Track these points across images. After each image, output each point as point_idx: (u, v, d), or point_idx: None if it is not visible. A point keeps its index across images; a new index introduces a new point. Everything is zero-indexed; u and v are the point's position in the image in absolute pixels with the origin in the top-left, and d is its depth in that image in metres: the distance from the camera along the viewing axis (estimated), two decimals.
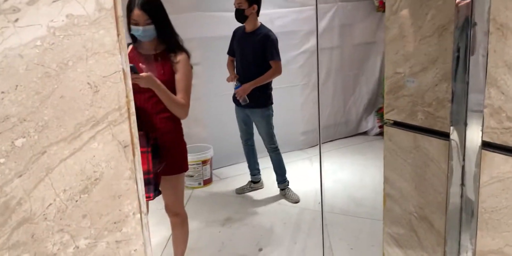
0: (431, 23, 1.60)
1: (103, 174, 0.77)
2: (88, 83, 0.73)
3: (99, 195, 0.77)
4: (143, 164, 2.16)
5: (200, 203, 3.72)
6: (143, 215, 0.81)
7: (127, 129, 0.77)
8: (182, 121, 2.40)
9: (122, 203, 0.79)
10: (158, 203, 2.46)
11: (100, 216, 0.78)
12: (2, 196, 0.70)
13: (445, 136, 1.65)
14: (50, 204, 0.74)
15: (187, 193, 3.89)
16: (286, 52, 4.37)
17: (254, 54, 3.44)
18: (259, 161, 3.90)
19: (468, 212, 1.65)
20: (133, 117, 0.77)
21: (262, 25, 3.48)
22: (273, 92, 3.61)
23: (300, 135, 4.75)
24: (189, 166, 3.84)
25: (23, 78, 0.68)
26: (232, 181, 4.09)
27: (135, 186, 0.80)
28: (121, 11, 0.72)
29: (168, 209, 2.49)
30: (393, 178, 2.00)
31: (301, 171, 4.30)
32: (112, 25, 0.72)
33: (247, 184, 3.90)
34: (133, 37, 2.31)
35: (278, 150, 3.69)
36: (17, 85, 0.68)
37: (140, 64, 2.28)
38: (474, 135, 1.54)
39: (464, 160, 1.60)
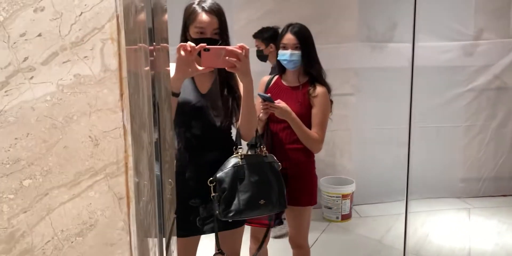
0: None
1: (97, 221, 0.81)
2: (90, 136, 0.78)
3: (93, 240, 0.82)
4: None
5: (334, 239, 3.61)
6: None
7: (123, 182, 0.80)
8: (327, 150, 2.41)
9: (113, 252, 0.82)
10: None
11: None
12: (9, 227, 0.79)
13: None
14: (49, 241, 0.81)
15: (323, 224, 3.82)
16: (450, 89, 4.02)
17: None
18: None
19: None
20: (131, 172, 0.79)
21: None
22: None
23: (458, 181, 4.27)
24: (329, 198, 3.80)
25: (34, 127, 0.76)
26: (372, 221, 3.86)
27: (128, 238, 0.82)
28: (126, 72, 0.76)
29: (291, 240, 2.49)
30: None
31: (453, 222, 3.84)
32: (115, 85, 0.76)
33: None
34: (280, 67, 2.41)
35: None
36: (28, 134, 0.77)
37: (279, 95, 2.36)
38: None
39: None
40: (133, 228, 0.82)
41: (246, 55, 1.69)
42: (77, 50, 0.75)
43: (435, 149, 4.15)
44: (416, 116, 3.82)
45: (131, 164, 0.80)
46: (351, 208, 3.87)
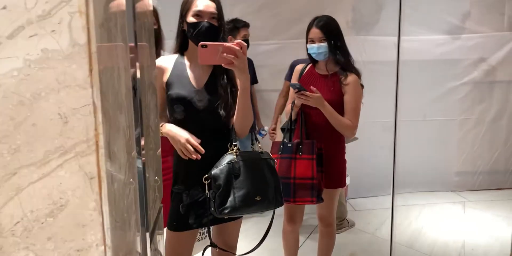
0: None
1: (68, 202, 0.79)
2: (59, 114, 0.75)
3: (64, 221, 0.79)
4: (307, 170, 2.33)
5: None
6: (107, 248, 0.81)
7: (94, 161, 0.77)
8: None
9: (85, 233, 0.80)
10: None
11: (64, 241, 0.80)
12: None
13: None
14: (18, 222, 0.79)
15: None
16: (445, 83, 4.02)
17: None
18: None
19: None
20: (102, 151, 0.77)
21: None
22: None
23: (453, 175, 4.26)
24: None
25: (0, 104, 0.74)
26: (367, 215, 3.85)
27: (100, 219, 0.80)
28: (95, 47, 0.74)
29: (322, 219, 2.61)
30: None
31: (448, 215, 3.83)
32: (84, 60, 0.74)
33: None
34: (311, 57, 2.49)
35: None
36: None
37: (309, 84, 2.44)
38: None
39: None
40: (106, 208, 0.80)
41: (244, 52, 1.68)
42: (44, 24, 0.72)
43: (430, 142, 4.15)
44: (410, 110, 3.82)
45: (102, 142, 0.77)
46: (345, 202, 3.86)
